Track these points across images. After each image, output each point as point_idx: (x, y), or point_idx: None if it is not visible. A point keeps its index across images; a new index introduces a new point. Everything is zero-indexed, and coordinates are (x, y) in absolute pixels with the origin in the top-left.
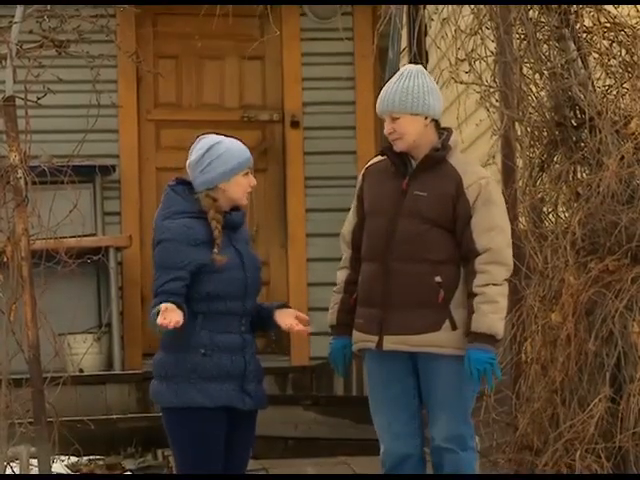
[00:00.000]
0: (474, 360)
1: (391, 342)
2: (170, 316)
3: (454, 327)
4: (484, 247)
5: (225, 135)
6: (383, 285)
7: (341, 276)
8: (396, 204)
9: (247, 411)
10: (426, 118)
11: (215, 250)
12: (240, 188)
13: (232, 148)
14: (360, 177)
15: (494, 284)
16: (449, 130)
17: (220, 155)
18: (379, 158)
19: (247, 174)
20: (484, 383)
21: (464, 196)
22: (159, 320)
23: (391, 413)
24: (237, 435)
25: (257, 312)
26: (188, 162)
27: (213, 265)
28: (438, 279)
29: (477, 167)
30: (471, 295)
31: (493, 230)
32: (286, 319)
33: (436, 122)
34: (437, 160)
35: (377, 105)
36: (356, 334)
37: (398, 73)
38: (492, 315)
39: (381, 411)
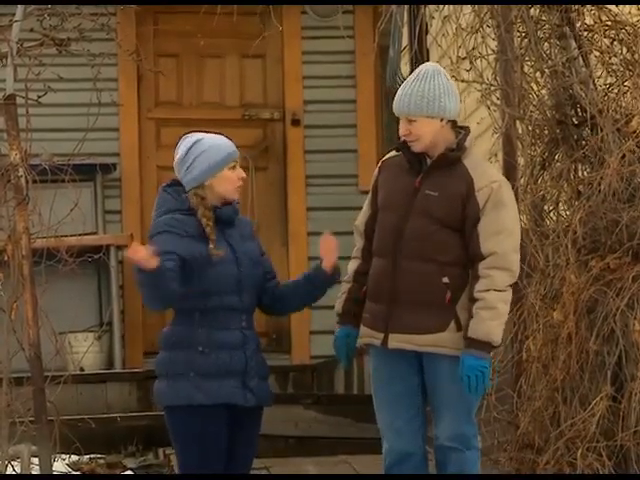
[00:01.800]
0: (466, 366)
1: (396, 340)
2: (141, 252)
3: (459, 328)
4: (489, 251)
5: (222, 134)
6: (391, 282)
7: (352, 266)
8: (408, 202)
9: (250, 408)
10: (442, 119)
11: (211, 246)
12: (228, 182)
13: (215, 144)
14: (376, 170)
15: (495, 290)
16: (466, 129)
17: (203, 152)
18: (395, 152)
19: (234, 168)
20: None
21: (474, 198)
22: (128, 252)
23: (394, 410)
24: (241, 432)
25: (302, 283)
26: (174, 162)
27: (205, 260)
28: (445, 280)
29: (491, 169)
30: (472, 300)
31: (501, 234)
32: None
33: (453, 121)
34: (451, 160)
35: (394, 106)
36: (363, 328)
37: (415, 73)
38: (490, 322)
39: (384, 408)
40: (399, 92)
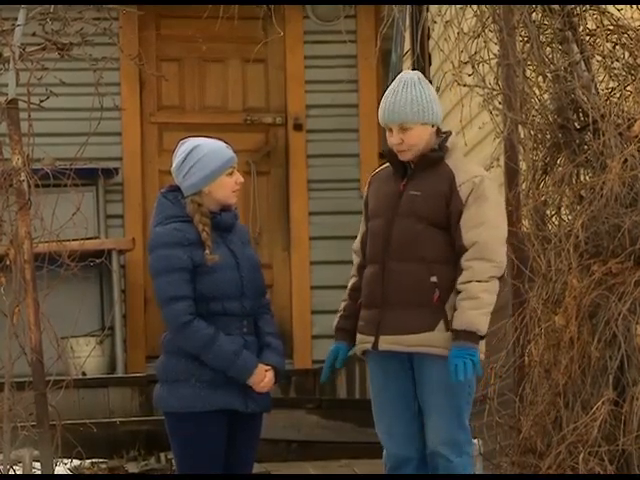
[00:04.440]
0: (454, 355)
1: (386, 342)
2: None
3: (448, 328)
4: (470, 242)
5: (220, 139)
6: (382, 286)
7: (349, 284)
8: (394, 205)
9: (251, 413)
10: (432, 126)
11: (207, 252)
12: (225, 188)
13: (212, 150)
14: (366, 186)
15: (477, 281)
16: (448, 133)
17: (200, 159)
18: (384, 165)
19: (232, 173)
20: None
21: (457, 194)
22: (253, 383)
23: (390, 415)
24: (241, 437)
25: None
26: (172, 168)
27: (206, 266)
28: (434, 279)
29: (473, 166)
30: (456, 292)
31: (482, 226)
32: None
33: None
34: (433, 160)
35: (384, 114)
36: (358, 336)
37: (398, 82)
38: (472, 311)
39: (381, 412)
40: (388, 102)
